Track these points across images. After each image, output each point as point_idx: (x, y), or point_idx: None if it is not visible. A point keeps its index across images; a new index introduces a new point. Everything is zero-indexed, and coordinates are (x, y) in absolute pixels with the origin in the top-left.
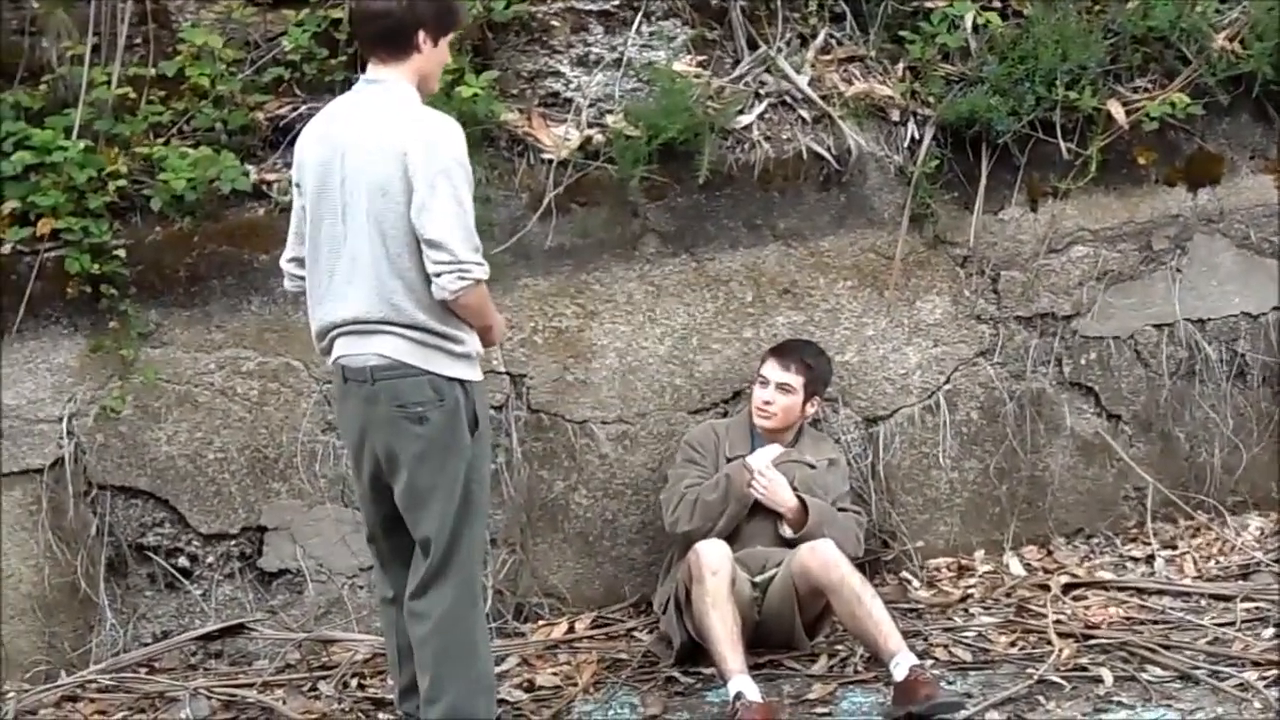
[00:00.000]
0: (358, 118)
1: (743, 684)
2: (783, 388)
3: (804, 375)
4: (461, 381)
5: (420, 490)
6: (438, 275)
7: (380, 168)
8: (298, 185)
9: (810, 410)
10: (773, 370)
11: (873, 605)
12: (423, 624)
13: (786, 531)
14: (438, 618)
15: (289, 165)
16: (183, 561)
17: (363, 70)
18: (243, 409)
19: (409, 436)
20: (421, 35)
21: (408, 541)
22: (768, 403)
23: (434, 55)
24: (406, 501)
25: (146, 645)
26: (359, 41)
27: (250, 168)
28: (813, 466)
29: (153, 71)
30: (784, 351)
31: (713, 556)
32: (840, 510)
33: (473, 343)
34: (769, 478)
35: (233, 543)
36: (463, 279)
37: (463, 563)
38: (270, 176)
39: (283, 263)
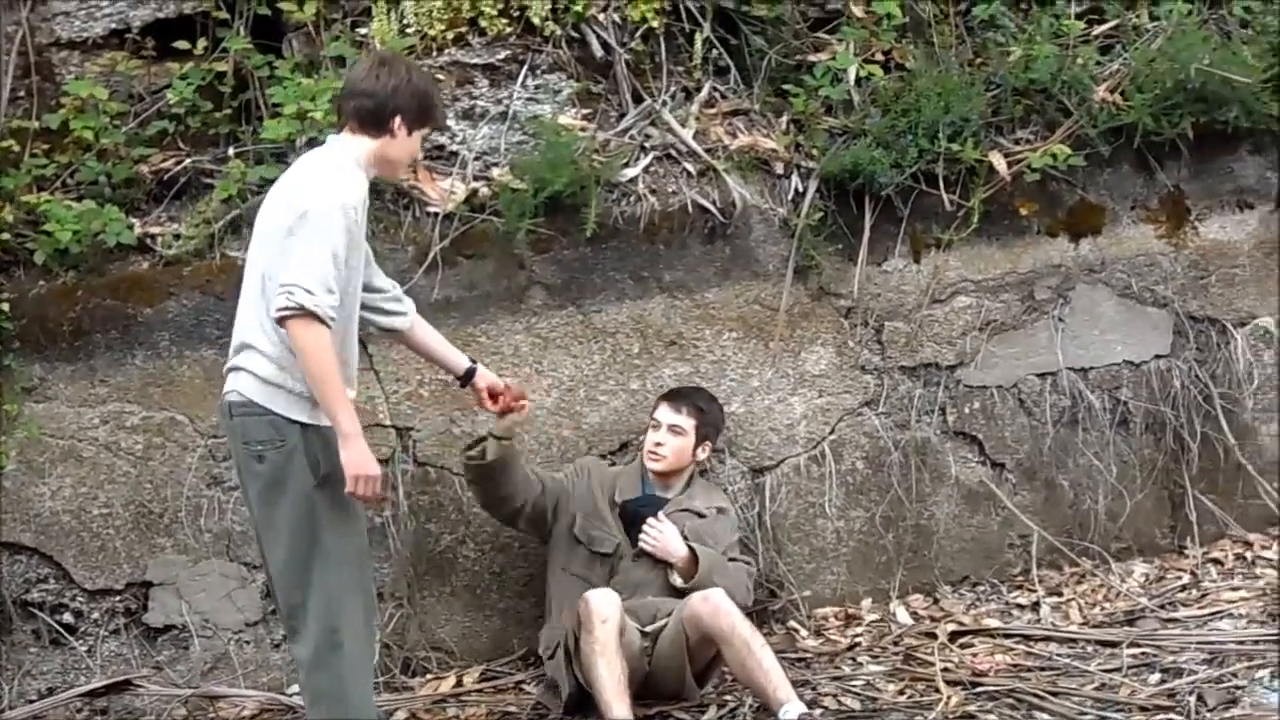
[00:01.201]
0: (298, 165)
1: None
2: (674, 429)
3: (696, 418)
4: (302, 425)
5: (261, 529)
6: (275, 296)
7: (273, 211)
8: None
9: (701, 455)
10: (665, 413)
11: (763, 654)
12: (298, 672)
13: (677, 581)
14: (305, 667)
15: (173, 219)
16: (68, 618)
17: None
18: (127, 464)
19: (252, 475)
20: (397, 121)
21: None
22: (659, 444)
23: (405, 143)
24: (259, 541)
25: (32, 702)
26: (339, 110)
27: (135, 221)
28: (702, 515)
29: (36, 124)
30: (676, 396)
31: (602, 605)
32: (730, 560)
33: None
34: (660, 528)
35: (118, 598)
36: (289, 299)
37: (317, 610)
38: (154, 230)
39: None
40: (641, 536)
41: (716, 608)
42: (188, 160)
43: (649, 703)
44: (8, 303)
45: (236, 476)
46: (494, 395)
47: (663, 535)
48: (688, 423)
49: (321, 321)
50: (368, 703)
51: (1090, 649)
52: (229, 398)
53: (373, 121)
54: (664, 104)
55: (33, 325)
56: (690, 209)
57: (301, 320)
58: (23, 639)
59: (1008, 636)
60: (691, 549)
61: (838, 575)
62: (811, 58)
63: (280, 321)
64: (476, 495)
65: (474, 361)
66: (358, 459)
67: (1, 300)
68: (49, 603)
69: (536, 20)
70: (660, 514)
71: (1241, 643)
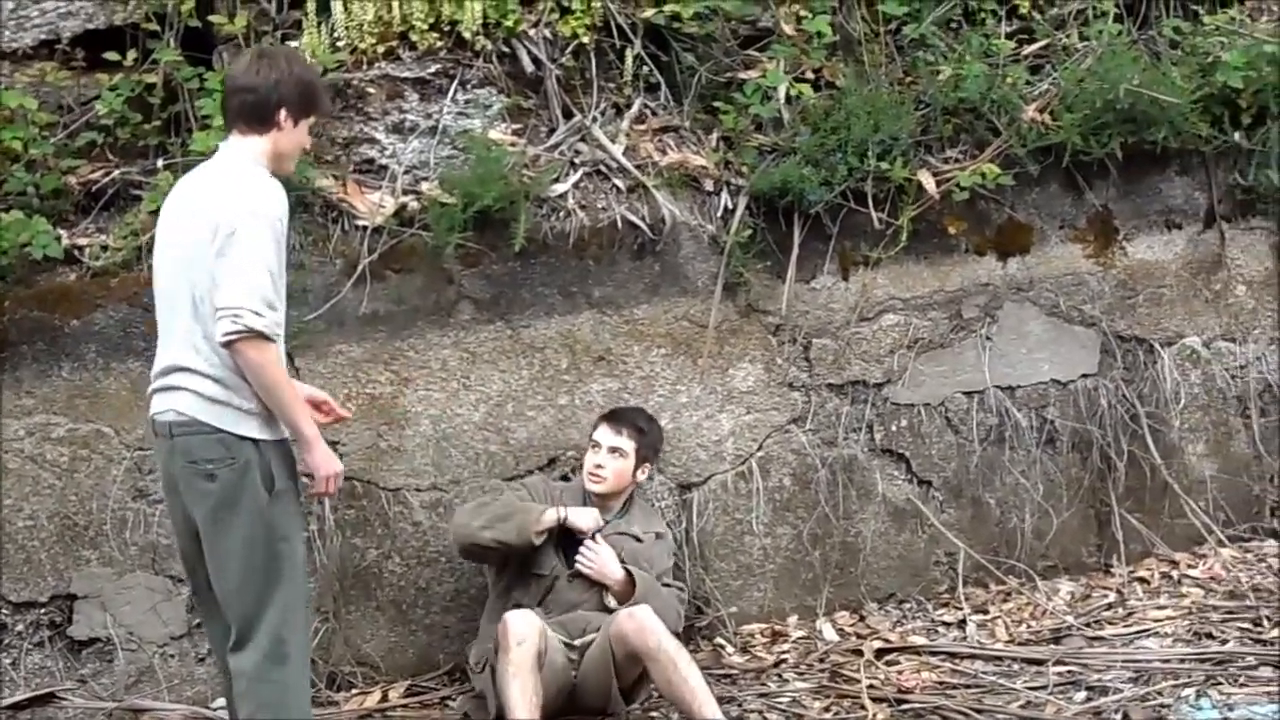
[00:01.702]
0: (200, 180)
1: None
2: (615, 451)
3: (636, 440)
4: (255, 440)
5: (214, 547)
6: (217, 320)
7: (197, 223)
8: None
9: (641, 476)
10: (605, 435)
11: (689, 671)
12: (237, 682)
13: (611, 603)
14: (248, 677)
15: (101, 230)
16: None
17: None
18: (52, 475)
19: (201, 493)
20: (283, 113)
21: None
22: (599, 466)
23: (292, 134)
24: (207, 557)
25: None
26: (223, 112)
27: (62, 232)
28: (639, 539)
29: None
30: (616, 417)
31: (520, 626)
32: (665, 586)
33: (260, 401)
34: (597, 550)
35: (42, 611)
36: (235, 323)
37: (270, 622)
38: (82, 241)
39: None
40: (578, 558)
41: (642, 625)
42: (116, 172)
43: (576, 718)
44: None
45: (168, 495)
46: (317, 406)
47: (599, 558)
48: (628, 444)
49: (270, 340)
50: (307, 715)
51: (1016, 667)
52: (165, 417)
53: (258, 117)
54: (594, 120)
55: None
56: (620, 225)
57: (251, 341)
58: None
59: (934, 654)
60: (629, 572)
61: (764, 592)
62: (742, 75)
63: (227, 345)
64: (473, 552)
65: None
66: (325, 460)
67: None
68: None
69: (467, 35)
70: (598, 536)
71: (1167, 661)
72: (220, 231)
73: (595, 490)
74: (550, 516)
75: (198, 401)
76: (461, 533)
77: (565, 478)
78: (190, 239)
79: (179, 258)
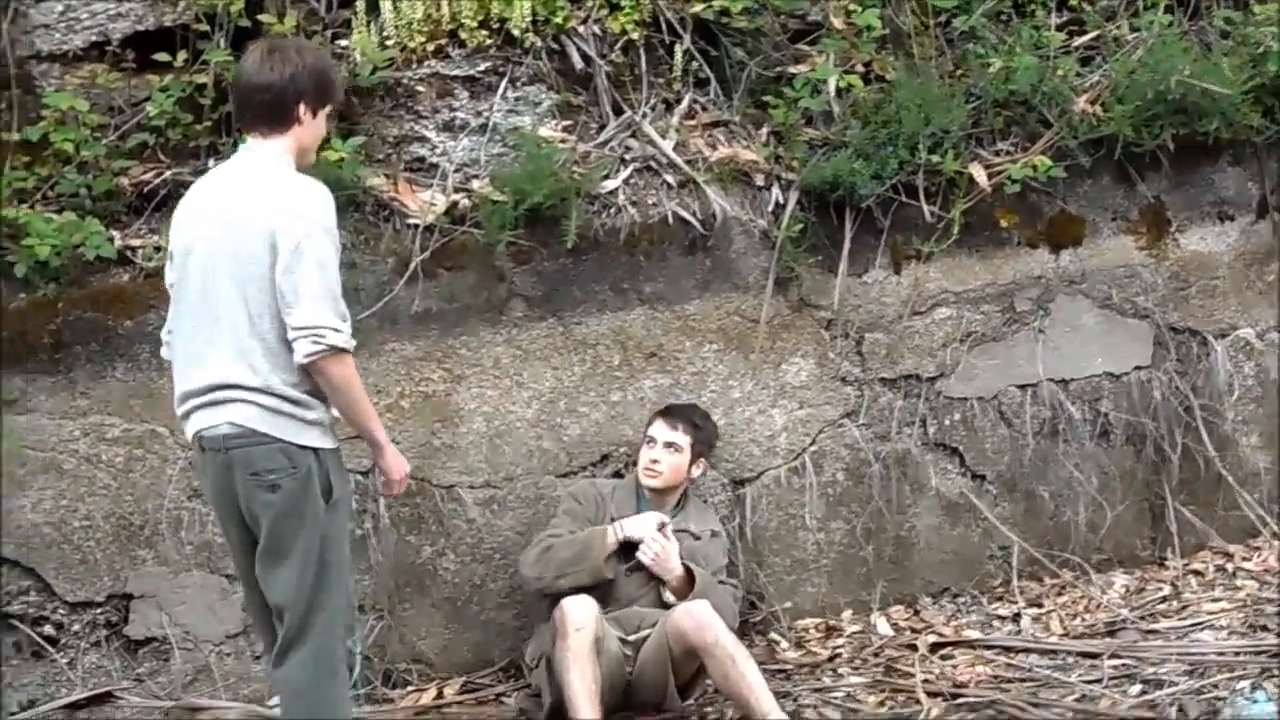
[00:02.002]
0: (229, 184)
1: None
2: (670, 446)
3: (691, 435)
4: (315, 450)
5: (273, 557)
6: (295, 340)
7: (246, 232)
8: (171, 254)
9: (696, 472)
10: (660, 430)
11: (746, 667)
12: (285, 693)
13: (669, 598)
14: (296, 688)
15: (154, 231)
16: (49, 629)
17: (234, 137)
18: (108, 476)
19: (262, 504)
20: (302, 108)
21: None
22: (655, 461)
23: (312, 126)
24: (262, 565)
25: (14, 715)
26: (239, 114)
27: (115, 234)
28: (696, 537)
29: (16, 136)
30: (672, 412)
31: (578, 613)
32: (721, 583)
33: (322, 411)
34: (662, 544)
35: (99, 610)
36: (317, 343)
37: (319, 633)
38: (135, 242)
39: (163, 334)
40: (640, 549)
41: (700, 621)
42: (168, 172)
43: (631, 715)
44: None
45: (221, 509)
46: None
47: (664, 550)
48: (683, 439)
49: (349, 352)
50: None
51: (1071, 660)
52: (217, 430)
53: (280, 116)
54: (644, 116)
55: (13, 338)
56: (671, 221)
57: (332, 358)
58: (4, 651)
59: (988, 648)
60: (688, 568)
61: (818, 587)
62: (792, 69)
63: (310, 365)
64: (550, 597)
65: None
66: (398, 462)
67: None
68: (30, 615)
69: (516, 32)
70: (667, 529)
71: (1222, 654)
72: (282, 247)
73: (650, 485)
74: (611, 542)
75: (257, 412)
76: (537, 585)
77: (619, 474)
78: (239, 251)
79: (232, 272)
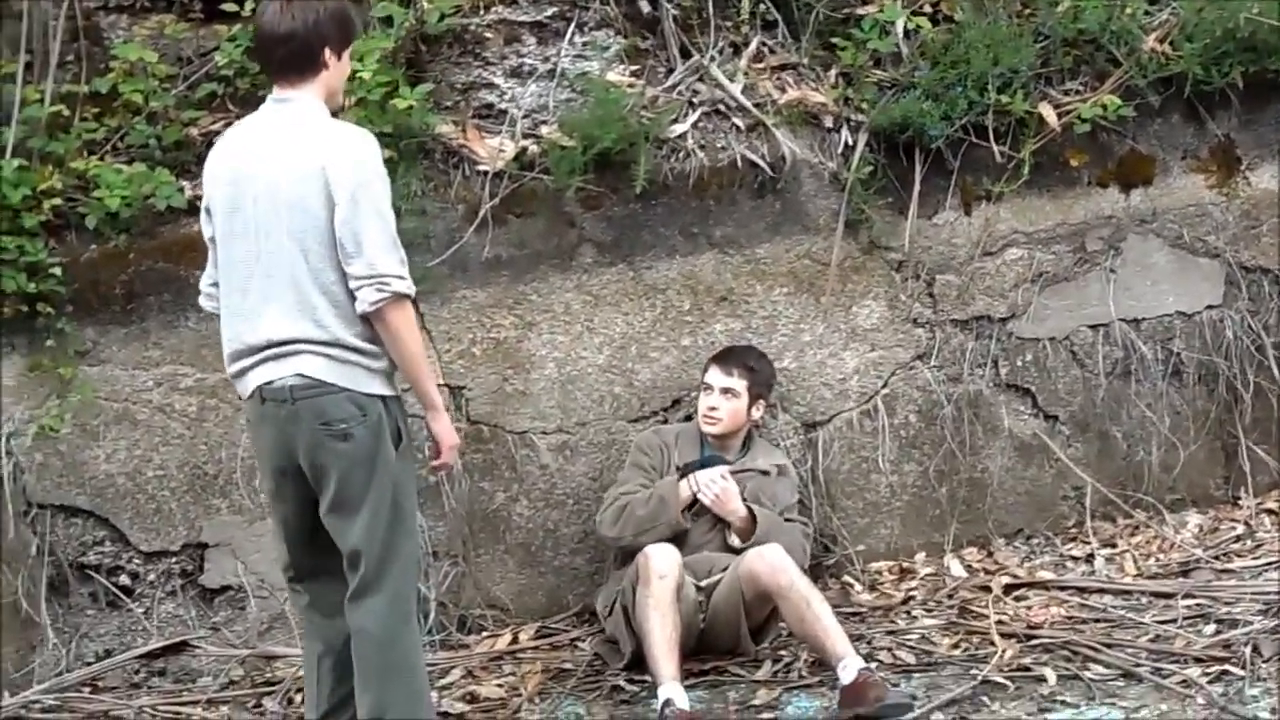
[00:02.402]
0: (270, 136)
1: (672, 691)
2: (727, 392)
3: (747, 379)
4: (383, 397)
5: (347, 504)
6: (359, 289)
7: (298, 184)
8: (208, 209)
9: (756, 414)
10: (716, 376)
11: (821, 610)
12: (360, 640)
13: (734, 541)
14: (371, 635)
15: None
16: (124, 580)
17: None
18: (181, 426)
19: (334, 453)
20: (327, 52)
21: (328, 562)
22: (713, 408)
23: (338, 69)
24: (333, 515)
25: (89, 665)
26: (265, 65)
27: (185, 184)
28: (765, 473)
29: (86, 89)
30: (726, 357)
31: (661, 561)
32: (788, 521)
33: (387, 360)
34: (721, 486)
35: (174, 560)
36: (381, 290)
37: (395, 577)
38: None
39: (203, 284)
40: (702, 490)
41: (773, 564)
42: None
43: (704, 657)
44: (60, 267)
45: (274, 462)
46: None
47: (724, 492)
48: (739, 384)
49: (411, 299)
50: (425, 673)
51: (1145, 601)
52: (283, 382)
53: (308, 64)
54: (712, 59)
55: (85, 289)
56: (740, 164)
57: (396, 305)
58: (80, 601)
59: (1062, 589)
60: (750, 510)
61: (891, 529)
62: (859, 10)
63: (374, 312)
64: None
65: None
66: (449, 430)
67: (54, 265)
68: (105, 565)
69: None
70: (725, 472)
71: None
72: (339, 197)
73: (711, 432)
74: (685, 495)
75: (325, 363)
76: (619, 543)
77: (689, 417)
78: (293, 204)
79: (288, 227)
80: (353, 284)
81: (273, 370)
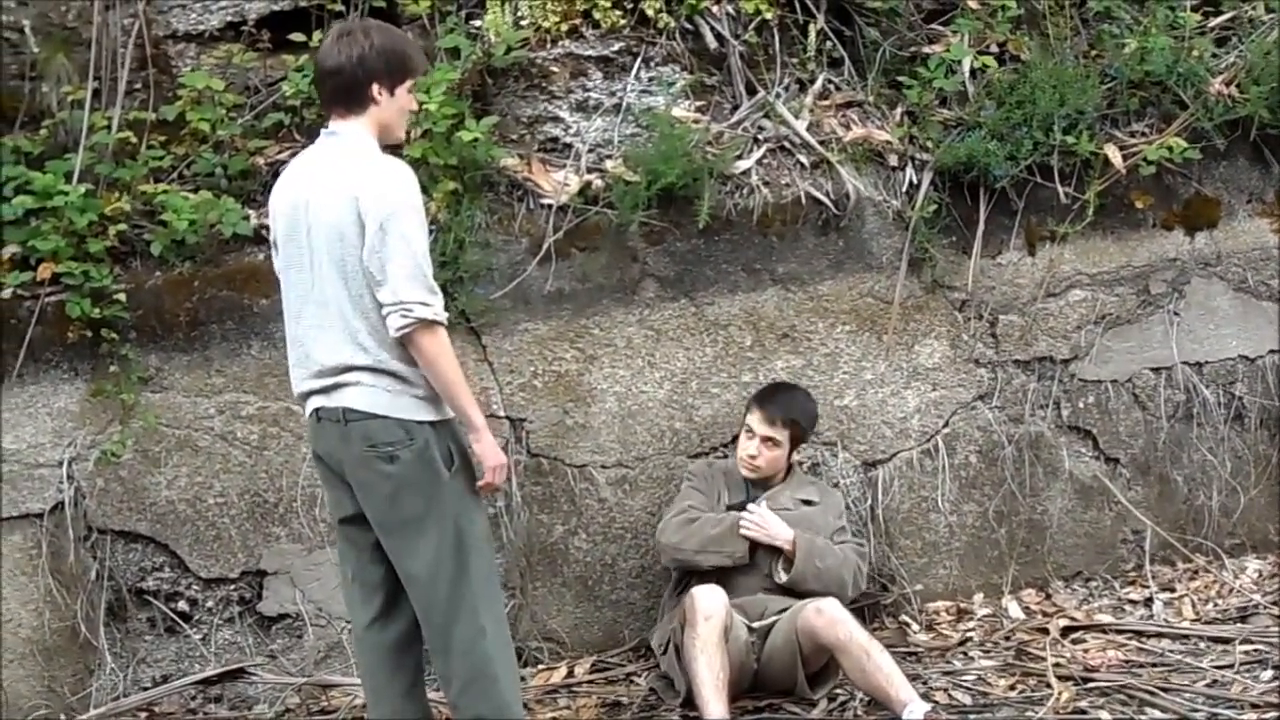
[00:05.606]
0: (318, 168)
1: None
2: (768, 441)
3: (789, 430)
4: (431, 423)
5: (397, 527)
6: (387, 315)
7: (337, 214)
8: (274, 241)
9: (797, 457)
10: (758, 423)
11: (881, 660)
12: (440, 660)
13: (780, 576)
14: (455, 652)
15: None
16: (182, 605)
17: None
18: (243, 453)
19: (380, 475)
20: (375, 88)
21: (384, 574)
22: (753, 456)
23: (392, 105)
24: (384, 538)
25: (146, 689)
26: (320, 98)
27: (250, 212)
28: (808, 503)
29: (153, 116)
30: (769, 403)
31: (708, 602)
32: (841, 543)
33: (430, 386)
34: (759, 513)
35: (232, 587)
36: (405, 317)
37: (470, 594)
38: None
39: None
40: (744, 524)
41: (833, 619)
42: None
43: (759, 695)
44: (125, 293)
45: (329, 475)
46: None
47: (764, 519)
48: (781, 434)
49: (441, 324)
50: (515, 686)
51: (1203, 645)
52: (338, 408)
53: (354, 98)
54: (777, 96)
55: (149, 316)
56: (804, 201)
57: (423, 330)
58: (138, 627)
59: (1120, 632)
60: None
61: (950, 570)
62: (926, 49)
63: (403, 339)
64: (687, 569)
65: None
66: (494, 450)
67: (119, 291)
68: (164, 591)
69: (650, 12)
70: (761, 502)
71: None
72: (368, 227)
73: (749, 478)
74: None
75: (375, 395)
76: (677, 556)
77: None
78: (332, 234)
79: (332, 256)
80: (383, 311)
81: (325, 400)
